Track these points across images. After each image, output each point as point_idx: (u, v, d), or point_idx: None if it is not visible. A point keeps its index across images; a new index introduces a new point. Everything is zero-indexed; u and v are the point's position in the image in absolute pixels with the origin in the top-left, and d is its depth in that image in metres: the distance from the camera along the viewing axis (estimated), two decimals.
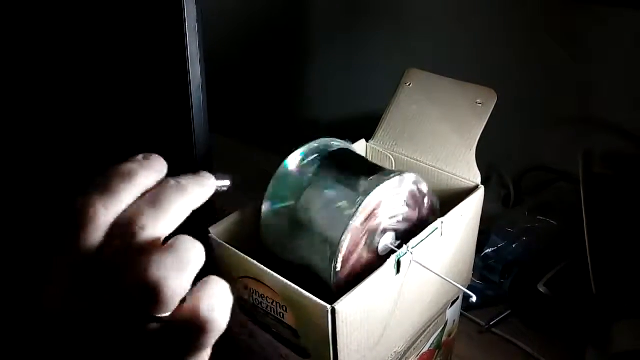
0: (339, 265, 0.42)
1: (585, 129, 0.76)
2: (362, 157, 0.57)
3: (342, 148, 0.51)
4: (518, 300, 0.69)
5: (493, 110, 0.55)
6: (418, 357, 0.53)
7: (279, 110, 1.13)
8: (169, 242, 0.24)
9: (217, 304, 0.24)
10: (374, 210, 0.43)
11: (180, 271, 0.23)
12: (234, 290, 0.25)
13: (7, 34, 0.62)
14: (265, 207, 0.47)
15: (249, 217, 0.49)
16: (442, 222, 0.47)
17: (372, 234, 0.44)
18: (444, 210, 0.48)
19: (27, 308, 0.25)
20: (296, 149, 0.48)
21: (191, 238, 0.24)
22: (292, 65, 1.07)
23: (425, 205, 0.49)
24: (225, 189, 0.29)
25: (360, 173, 0.47)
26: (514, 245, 0.70)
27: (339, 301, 0.39)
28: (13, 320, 0.26)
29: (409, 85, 0.60)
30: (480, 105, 0.55)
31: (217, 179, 0.28)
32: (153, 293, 0.22)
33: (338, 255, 0.42)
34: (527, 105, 0.79)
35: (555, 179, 0.79)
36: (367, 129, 0.61)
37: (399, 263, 0.43)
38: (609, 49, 0.70)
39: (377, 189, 0.43)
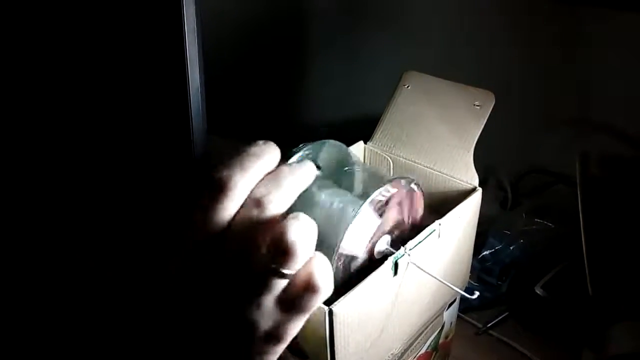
0: (336, 268, 0.42)
1: (583, 131, 0.76)
2: (360, 159, 0.57)
3: (340, 150, 0.51)
4: (515, 302, 0.69)
5: (491, 113, 0.55)
6: (415, 359, 0.53)
7: (277, 112, 1.13)
8: (292, 214, 0.28)
9: (327, 272, 0.28)
10: (370, 212, 0.43)
11: (309, 236, 0.27)
12: None
13: (6, 38, 0.62)
14: None
15: None
16: (439, 224, 0.47)
17: (370, 236, 0.44)
18: (441, 212, 0.48)
19: (156, 275, 0.29)
20: (295, 151, 0.48)
21: (306, 215, 0.28)
22: (290, 67, 1.08)
23: (422, 208, 0.49)
24: (317, 176, 0.33)
25: (356, 176, 0.47)
26: (511, 248, 0.70)
27: (336, 302, 0.39)
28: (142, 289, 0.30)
29: (407, 87, 0.60)
30: (478, 107, 0.55)
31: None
32: (292, 250, 0.26)
33: (335, 257, 0.42)
34: (525, 108, 0.79)
35: (553, 181, 0.79)
36: (365, 131, 0.61)
37: (396, 265, 0.43)
38: (608, 51, 0.70)
39: (374, 192, 0.43)
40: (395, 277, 0.43)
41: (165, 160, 0.60)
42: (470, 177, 0.53)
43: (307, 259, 0.27)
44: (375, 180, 0.45)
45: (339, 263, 0.42)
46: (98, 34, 0.58)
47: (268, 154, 0.30)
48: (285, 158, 0.47)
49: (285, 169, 0.30)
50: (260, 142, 0.31)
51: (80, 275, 0.65)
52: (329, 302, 0.39)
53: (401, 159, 0.57)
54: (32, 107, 0.66)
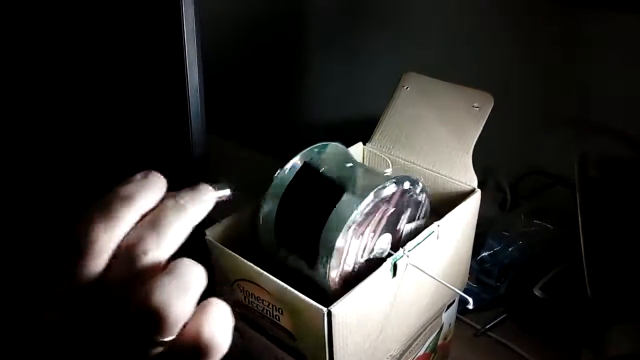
0: (335, 268, 0.42)
1: (582, 132, 0.76)
2: (358, 160, 0.57)
3: (339, 151, 0.51)
4: (514, 303, 0.69)
5: (490, 114, 0.55)
6: None
7: (276, 113, 1.13)
8: (170, 265, 0.24)
9: (219, 328, 0.24)
10: (370, 213, 0.43)
11: (183, 295, 0.23)
12: (233, 307, 0.25)
13: (7, 39, 0.62)
14: (263, 209, 0.47)
15: (245, 220, 0.49)
16: (438, 226, 0.47)
17: (368, 237, 0.44)
18: (440, 213, 0.48)
19: (27, 333, 0.25)
20: (295, 153, 0.48)
21: (192, 261, 0.24)
22: (289, 68, 1.08)
23: (422, 208, 0.49)
24: (225, 198, 0.29)
25: (356, 176, 0.47)
26: (510, 249, 0.70)
27: (335, 304, 0.39)
28: (13, 341, 0.26)
29: (407, 88, 0.60)
30: (477, 109, 0.55)
31: (216, 188, 0.28)
32: (156, 318, 0.22)
33: (334, 258, 0.42)
34: (524, 109, 0.79)
35: (551, 183, 0.79)
36: (364, 132, 0.61)
37: (395, 266, 0.43)
38: (607, 52, 0.71)
39: (373, 192, 0.43)
40: (394, 278, 0.43)
41: (164, 161, 0.60)
42: (469, 179, 0.53)
43: (187, 318, 0.23)
44: (375, 180, 0.45)
45: (337, 267, 0.42)
46: (97, 35, 0.58)
47: (143, 191, 0.25)
48: (285, 160, 0.48)
49: (167, 206, 0.26)
50: (138, 176, 0.26)
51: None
52: (327, 303, 0.39)
53: (400, 160, 0.57)
54: (32, 107, 0.66)
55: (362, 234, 0.43)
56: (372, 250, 0.45)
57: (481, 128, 0.55)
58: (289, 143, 0.50)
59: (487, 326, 0.68)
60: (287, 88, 1.10)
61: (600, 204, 0.61)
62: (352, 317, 0.40)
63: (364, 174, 0.48)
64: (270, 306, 0.43)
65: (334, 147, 0.50)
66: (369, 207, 0.43)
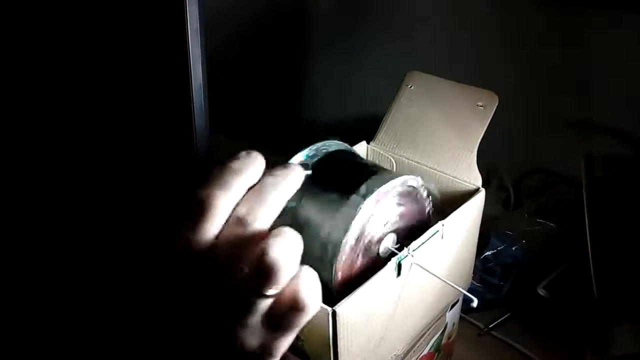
0: (339, 268, 0.42)
1: (585, 131, 0.76)
2: (363, 158, 0.57)
3: (343, 150, 0.50)
4: (517, 303, 0.69)
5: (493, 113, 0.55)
6: (418, 359, 0.53)
7: (279, 111, 1.13)
8: (276, 230, 0.27)
9: (313, 288, 0.27)
10: (374, 212, 0.43)
11: (292, 253, 0.26)
12: None
13: (12, 38, 0.62)
14: None
15: None
16: (443, 225, 0.47)
17: (373, 236, 0.44)
18: (444, 212, 0.48)
19: (149, 286, 0.29)
20: (298, 150, 0.48)
21: (291, 229, 0.28)
22: (293, 66, 1.07)
23: (427, 206, 0.49)
24: (307, 177, 0.33)
25: (360, 175, 0.47)
26: (513, 248, 0.70)
27: (339, 304, 0.39)
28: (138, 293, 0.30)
29: (411, 87, 0.60)
30: (481, 108, 0.55)
31: (303, 168, 0.32)
32: (273, 270, 0.25)
33: (338, 258, 0.42)
34: (527, 108, 0.79)
35: (555, 181, 0.79)
36: (368, 131, 0.61)
37: (399, 265, 0.43)
38: (610, 51, 0.70)
39: (378, 190, 0.43)
40: (398, 277, 0.43)
41: (168, 159, 0.60)
42: (473, 178, 0.53)
43: (292, 276, 0.27)
44: (380, 179, 0.45)
45: (341, 267, 0.42)
46: (102, 34, 0.58)
47: (250, 167, 0.29)
48: (289, 157, 0.47)
49: (268, 182, 0.29)
50: (243, 153, 0.30)
51: (79, 275, 0.65)
52: (332, 303, 0.39)
53: (404, 159, 0.57)
54: (36, 106, 0.66)
55: (367, 233, 0.43)
56: (377, 249, 0.45)
57: (485, 127, 0.55)
58: (291, 142, 0.50)
59: (491, 325, 0.68)
60: (290, 87, 1.10)
61: (606, 203, 0.61)
62: (357, 316, 0.40)
63: (367, 171, 0.48)
64: None
65: (337, 144, 0.50)
66: (373, 207, 0.43)
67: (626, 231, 0.60)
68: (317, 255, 0.44)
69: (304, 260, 0.45)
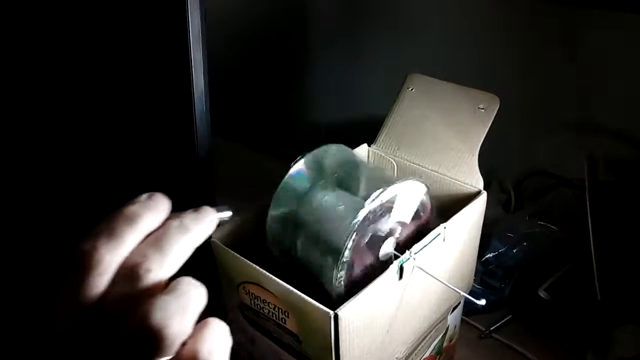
0: (342, 271, 0.42)
1: (585, 133, 0.76)
2: (364, 162, 0.57)
3: (345, 154, 0.50)
4: (518, 305, 0.69)
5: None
6: None
7: (280, 114, 1.13)
8: (171, 284, 0.24)
9: (217, 348, 0.24)
10: (376, 216, 0.43)
11: (182, 315, 0.23)
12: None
13: (13, 42, 0.62)
14: (271, 212, 0.47)
15: (250, 222, 0.49)
16: (444, 228, 0.47)
17: (375, 240, 0.44)
18: (446, 215, 0.48)
19: (38, 343, 0.25)
20: (300, 155, 0.48)
21: (192, 280, 0.25)
22: (294, 69, 1.07)
23: (427, 211, 0.49)
24: (227, 219, 0.29)
25: (361, 179, 0.47)
26: (514, 250, 0.70)
27: (341, 307, 0.38)
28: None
29: (412, 90, 0.60)
30: (482, 110, 0.55)
31: (218, 210, 0.29)
32: (155, 338, 0.23)
33: (341, 261, 0.42)
34: (528, 110, 0.79)
35: (555, 184, 0.79)
36: (369, 133, 0.61)
37: (401, 269, 0.43)
38: (610, 52, 0.70)
39: (379, 195, 0.43)
40: (400, 281, 0.43)
41: (169, 162, 0.60)
42: (474, 181, 0.53)
43: (185, 338, 0.24)
44: (379, 183, 0.45)
45: (343, 271, 0.42)
46: (104, 39, 0.58)
47: (147, 211, 0.26)
48: (290, 161, 0.47)
49: (172, 226, 0.26)
50: (143, 196, 0.27)
51: None
52: (334, 306, 0.38)
53: (405, 161, 0.57)
54: (38, 109, 0.66)
55: (369, 237, 0.43)
56: (378, 253, 0.45)
57: (487, 130, 0.54)
58: (293, 144, 0.50)
59: (492, 328, 0.68)
60: (292, 89, 1.10)
61: (609, 205, 0.61)
62: (359, 320, 0.40)
63: (369, 176, 0.48)
64: (276, 309, 0.43)
65: (338, 148, 0.50)
66: (374, 210, 0.43)
67: (629, 233, 0.60)
68: (318, 260, 0.44)
69: (306, 265, 0.45)
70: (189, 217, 0.27)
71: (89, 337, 0.24)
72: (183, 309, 0.23)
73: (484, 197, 0.52)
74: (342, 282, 0.43)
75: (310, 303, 0.39)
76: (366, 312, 0.41)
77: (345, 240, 0.41)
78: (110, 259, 0.24)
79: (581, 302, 0.62)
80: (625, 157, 0.70)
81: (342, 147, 0.51)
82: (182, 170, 0.58)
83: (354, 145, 0.58)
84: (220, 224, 0.29)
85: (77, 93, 0.63)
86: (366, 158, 0.60)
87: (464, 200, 0.52)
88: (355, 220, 0.41)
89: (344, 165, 0.49)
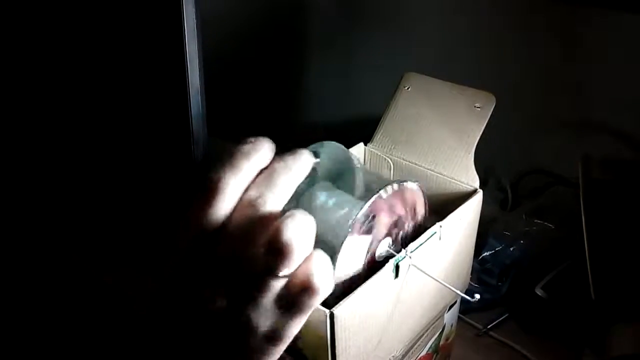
0: (336, 271, 0.42)
1: (582, 132, 0.76)
2: (360, 162, 0.57)
3: (340, 152, 0.50)
4: (515, 303, 0.69)
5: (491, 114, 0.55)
6: None
7: (277, 113, 1.13)
8: (289, 212, 0.27)
9: (325, 270, 0.27)
10: (371, 215, 0.43)
11: (305, 235, 0.26)
12: None
13: (5, 39, 0.62)
14: None
15: None
16: (440, 226, 0.47)
17: (370, 239, 0.44)
18: (442, 214, 0.48)
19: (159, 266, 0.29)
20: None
21: (303, 212, 0.28)
22: (290, 68, 1.07)
23: (422, 210, 0.49)
24: (317, 162, 0.33)
25: (357, 178, 0.47)
26: (511, 249, 0.70)
27: (337, 305, 0.39)
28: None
29: (408, 88, 0.60)
30: (478, 109, 0.55)
31: (312, 155, 0.32)
32: (286, 250, 0.26)
33: (336, 260, 0.42)
34: (525, 108, 0.79)
35: (552, 182, 0.79)
36: (365, 132, 0.61)
37: (397, 267, 0.43)
38: (608, 51, 0.70)
39: (375, 195, 0.43)
40: (396, 279, 0.43)
41: (165, 162, 0.60)
42: (471, 179, 0.53)
43: (305, 257, 0.27)
44: (376, 181, 0.45)
45: (340, 265, 0.42)
46: (96, 35, 0.58)
47: (260, 151, 0.30)
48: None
49: (278, 165, 0.30)
50: (252, 138, 0.31)
51: (78, 276, 0.65)
52: (330, 305, 0.39)
53: (402, 160, 0.57)
54: (30, 108, 0.66)
55: (364, 236, 0.43)
56: (374, 252, 0.45)
57: (483, 128, 0.55)
58: (289, 144, 0.50)
59: (489, 326, 0.68)
60: (288, 89, 1.10)
61: (603, 204, 0.61)
62: (355, 318, 0.40)
63: (365, 175, 0.48)
64: None
65: (332, 146, 0.50)
66: (369, 209, 0.43)
67: (623, 232, 0.60)
68: None
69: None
70: (290, 159, 0.30)
71: (210, 257, 0.27)
72: (306, 229, 0.27)
73: (479, 195, 0.52)
74: (338, 281, 0.43)
75: None
76: (362, 311, 0.41)
77: (341, 240, 0.41)
78: (235, 187, 0.28)
79: (578, 300, 0.62)
80: (620, 157, 0.70)
81: (339, 145, 0.51)
82: (178, 171, 0.58)
83: (350, 144, 0.58)
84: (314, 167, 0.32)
85: (68, 90, 0.63)
86: (363, 157, 0.60)
87: (460, 198, 0.52)
88: (352, 220, 0.41)
89: (339, 163, 0.49)
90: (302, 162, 0.31)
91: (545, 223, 0.72)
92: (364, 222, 0.43)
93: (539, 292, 0.65)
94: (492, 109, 0.55)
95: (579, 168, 0.63)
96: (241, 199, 0.28)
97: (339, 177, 0.47)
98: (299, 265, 0.27)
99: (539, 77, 0.78)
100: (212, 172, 0.28)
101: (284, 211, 0.28)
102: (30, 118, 0.66)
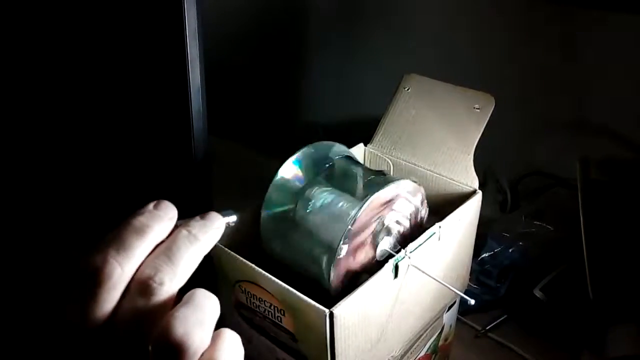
0: (337, 270, 0.42)
1: (582, 133, 0.76)
2: (359, 162, 0.57)
3: (340, 152, 0.51)
4: (514, 304, 0.70)
5: (490, 115, 0.55)
6: None
7: (277, 113, 1.13)
8: (186, 296, 0.24)
9: (232, 358, 0.24)
10: (371, 215, 0.43)
11: (202, 326, 0.23)
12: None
13: (8, 40, 0.62)
14: (264, 211, 0.47)
15: (247, 221, 0.49)
16: (439, 227, 0.47)
17: (370, 239, 0.44)
18: (441, 214, 0.48)
19: None
20: (294, 152, 0.48)
21: (206, 291, 0.24)
22: (291, 69, 1.08)
23: (422, 210, 0.49)
24: (233, 224, 0.29)
25: (357, 178, 0.47)
26: (510, 250, 0.70)
27: (337, 305, 0.39)
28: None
29: (408, 90, 0.60)
30: (478, 110, 0.55)
31: (223, 215, 0.29)
32: (178, 350, 0.22)
33: (336, 260, 0.42)
34: (524, 110, 0.79)
35: (551, 184, 0.79)
36: (365, 133, 0.61)
37: (396, 267, 0.43)
38: (607, 53, 0.71)
39: (375, 194, 0.43)
40: (395, 279, 0.43)
41: (166, 162, 0.60)
42: (470, 180, 0.53)
43: (204, 349, 0.23)
44: (376, 181, 0.45)
45: (338, 269, 0.42)
46: (99, 35, 0.58)
47: (157, 222, 0.25)
48: (284, 159, 0.48)
49: (181, 236, 0.25)
50: (150, 206, 0.26)
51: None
52: (329, 304, 0.39)
53: (401, 161, 0.57)
54: (32, 107, 0.66)
55: (364, 236, 0.43)
56: (374, 252, 0.45)
57: (482, 129, 0.55)
58: (290, 144, 0.50)
59: (488, 327, 0.68)
60: (289, 89, 1.10)
61: (602, 205, 0.61)
62: (354, 318, 0.40)
63: (364, 175, 0.48)
64: (272, 307, 0.43)
65: (332, 146, 0.50)
66: (369, 209, 0.43)
67: (622, 233, 0.60)
68: (314, 259, 0.44)
69: (302, 263, 0.45)
70: (196, 226, 0.26)
71: (102, 356, 0.24)
72: (201, 321, 0.23)
73: (479, 196, 0.52)
74: (338, 281, 0.43)
75: (305, 301, 0.39)
76: (361, 311, 0.41)
77: (341, 239, 0.41)
78: (122, 272, 0.23)
79: (576, 301, 0.62)
80: (619, 158, 0.70)
81: (339, 145, 0.51)
82: (179, 170, 0.58)
83: (350, 144, 0.58)
84: (226, 229, 0.28)
85: (70, 90, 0.63)
86: (362, 157, 0.60)
87: (460, 199, 0.52)
88: (352, 220, 0.42)
89: (339, 163, 0.49)
90: (212, 230, 0.27)
91: (545, 224, 0.72)
92: (364, 222, 0.43)
93: (537, 293, 0.65)
94: (491, 110, 0.55)
95: (577, 169, 0.63)
96: (133, 277, 0.24)
97: (339, 177, 0.47)
98: (204, 352, 0.23)
99: (538, 78, 0.78)
100: (96, 253, 0.23)
101: (184, 291, 0.24)
102: (32, 117, 0.66)
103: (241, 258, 0.43)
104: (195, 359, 0.23)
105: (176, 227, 0.26)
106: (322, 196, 0.46)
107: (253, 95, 1.15)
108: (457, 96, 0.57)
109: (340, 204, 0.44)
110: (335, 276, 0.42)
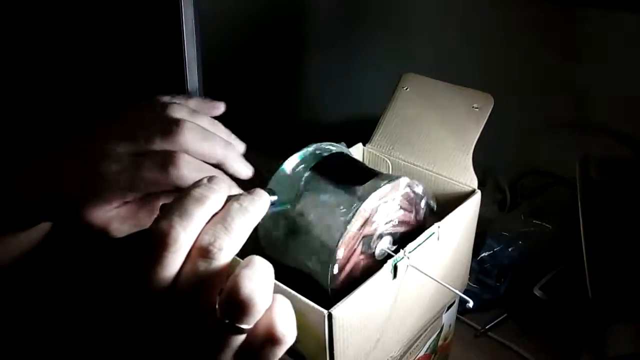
0: (335, 270, 0.42)
1: (581, 133, 0.76)
2: (359, 161, 0.57)
3: (339, 152, 0.51)
4: (514, 304, 0.70)
5: (489, 114, 0.55)
6: None
7: (276, 113, 1.13)
8: (246, 260, 0.26)
9: (288, 320, 0.26)
10: (370, 214, 0.43)
11: (266, 285, 0.25)
12: None
13: (7, 43, 0.62)
14: None
15: None
16: (438, 227, 0.47)
17: (369, 239, 0.44)
18: (440, 214, 0.48)
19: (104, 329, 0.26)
20: (293, 152, 0.48)
21: (261, 258, 0.26)
22: (291, 69, 1.08)
23: (422, 208, 0.49)
24: (274, 201, 0.32)
25: (356, 177, 0.47)
26: (509, 249, 0.70)
27: (335, 306, 0.39)
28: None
29: (406, 89, 0.60)
30: (477, 109, 0.55)
31: (270, 193, 0.31)
32: (247, 305, 0.24)
33: (335, 260, 0.42)
34: (523, 109, 0.79)
35: (551, 183, 0.80)
36: (364, 133, 0.61)
37: (395, 268, 0.43)
38: (607, 52, 0.71)
39: (374, 193, 0.43)
40: (394, 280, 0.43)
41: None
42: (469, 180, 0.53)
43: (266, 307, 0.25)
44: (376, 181, 0.45)
45: (337, 269, 0.42)
46: (97, 36, 0.58)
47: (213, 194, 0.27)
48: (284, 159, 0.48)
49: (234, 208, 0.27)
50: (204, 179, 0.28)
51: (77, 275, 0.65)
52: (328, 305, 0.39)
53: (400, 161, 0.57)
54: (32, 108, 0.66)
55: (363, 235, 0.43)
56: (373, 251, 0.45)
57: (481, 129, 0.55)
58: (289, 144, 0.50)
59: (487, 327, 0.68)
60: (288, 89, 1.10)
61: (601, 205, 0.61)
62: (353, 319, 0.40)
63: (364, 174, 0.48)
64: None
65: (331, 146, 0.50)
66: (369, 209, 0.43)
67: (621, 233, 0.60)
68: (313, 258, 0.44)
69: (300, 263, 0.45)
70: (246, 199, 0.28)
71: (163, 320, 0.25)
72: (265, 280, 0.25)
73: (478, 196, 0.52)
74: (337, 281, 0.43)
75: (304, 302, 0.39)
76: (360, 311, 0.41)
77: (340, 239, 0.41)
78: (185, 237, 0.25)
79: (576, 300, 0.62)
80: (619, 157, 0.70)
81: (338, 145, 0.51)
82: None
83: (349, 144, 0.58)
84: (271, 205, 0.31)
85: (69, 91, 0.63)
86: (361, 157, 0.60)
87: (459, 199, 0.52)
88: (350, 220, 0.42)
89: (339, 162, 0.49)
90: (260, 204, 0.29)
91: (544, 224, 0.72)
92: (363, 221, 0.43)
93: (537, 292, 0.65)
94: (490, 110, 0.55)
95: (576, 168, 0.63)
96: (193, 246, 0.26)
97: (339, 176, 0.47)
98: (261, 316, 0.25)
99: (537, 78, 0.78)
100: (161, 221, 0.25)
101: (241, 254, 0.26)
102: (33, 118, 0.66)
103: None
104: (259, 316, 0.25)
105: (228, 200, 0.28)
106: (321, 195, 0.46)
107: (253, 95, 1.15)
108: (456, 95, 0.57)
109: (339, 203, 0.44)
110: (334, 277, 0.42)
